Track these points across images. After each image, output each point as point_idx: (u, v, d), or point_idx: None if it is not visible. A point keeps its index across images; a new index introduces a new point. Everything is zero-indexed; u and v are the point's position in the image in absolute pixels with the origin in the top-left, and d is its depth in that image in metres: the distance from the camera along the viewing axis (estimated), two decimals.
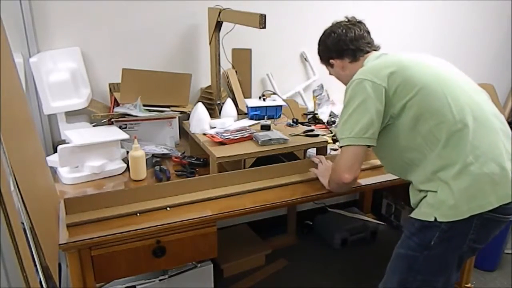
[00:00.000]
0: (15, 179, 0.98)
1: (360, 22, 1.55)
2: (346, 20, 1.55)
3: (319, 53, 1.63)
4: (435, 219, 1.27)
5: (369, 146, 1.37)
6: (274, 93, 2.25)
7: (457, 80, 1.38)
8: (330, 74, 1.66)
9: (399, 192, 1.89)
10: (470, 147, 1.27)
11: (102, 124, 1.94)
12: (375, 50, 1.52)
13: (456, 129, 1.28)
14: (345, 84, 1.56)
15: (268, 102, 2.09)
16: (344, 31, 1.50)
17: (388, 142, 1.39)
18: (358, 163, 1.37)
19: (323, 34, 1.58)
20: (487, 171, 1.26)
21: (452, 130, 1.28)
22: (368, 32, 1.54)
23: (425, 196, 1.33)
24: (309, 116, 2.34)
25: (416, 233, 1.33)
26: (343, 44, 1.50)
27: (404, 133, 1.34)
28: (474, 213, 1.25)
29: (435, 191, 1.29)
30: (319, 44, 1.61)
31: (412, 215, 1.36)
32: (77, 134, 1.72)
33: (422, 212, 1.32)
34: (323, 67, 2.62)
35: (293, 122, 2.01)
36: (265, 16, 1.61)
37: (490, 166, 1.26)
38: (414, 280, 1.35)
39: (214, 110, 2.10)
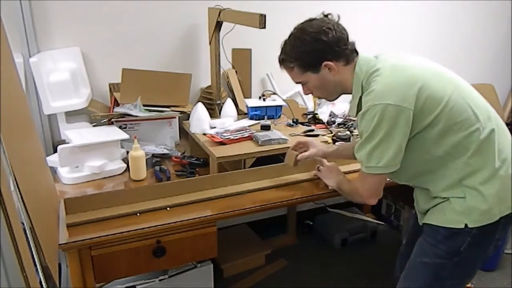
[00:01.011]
0: (15, 179, 0.99)
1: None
2: (324, 16, 1.35)
3: (301, 55, 1.32)
4: (466, 225, 1.26)
5: None
6: (274, 93, 2.25)
7: (466, 85, 1.36)
8: (298, 82, 1.40)
9: (399, 192, 1.89)
10: (497, 152, 1.28)
11: (102, 124, 1.94)
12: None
13: (484, 136, 1.27)
14: (327, 96, 1.43)
15: (268, 102, 2.09)
16: (340, 27, 1.31)
17: (407, 154, 1.30)
18: (382, 187, 1.34)
19: (313, 31, 1.29)
20: (510, 173, 1.29)
21: (482, 138, 1.27)
22: None
23: (441, 203, 1.31)
24: (309, 116, 2.34)
25: (443, 240, 1.30)
26: (343, 43, 1.30)
27: (426, 146, 1.29)
28: (503, 214, 1.27)
29: (463, 197, 1.27)
30: (305, 43, 1.30)
31: (434, 222, 1.32)
32: (77, 134, 1.72)
33: (449, 219, 1.29)
34: None
35: (293, 122, 2.01)
36: (265, 16, 1.61)
37: None
38: (442, 286, 1.34)
39: (214, 110, 2.10)
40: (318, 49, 1.30)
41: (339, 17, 1.36)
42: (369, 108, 1.24)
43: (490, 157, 1.27)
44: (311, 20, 1.34)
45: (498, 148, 1.28)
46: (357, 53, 1.35)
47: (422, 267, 1.36)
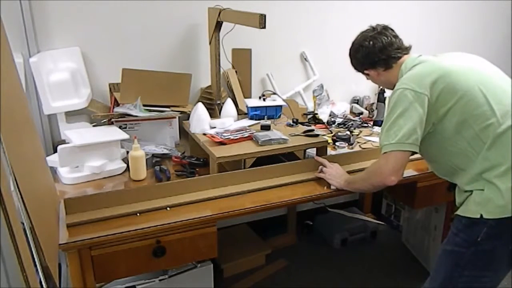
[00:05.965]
0: (15, 179, 0.98)
1: (385, 28, 1.54)
2: (371, 29, 1.55)
3: (352, 65, 1.63)
4: (481, 216, 1.30)
5: (413, 153, 1.39)
6: (274, 93, 2.25)
7: (497, 79, 1.41)
8: (367, 79, 1.67)
9: (399, 192, 1.89)
10: None
11: (102, 124, 1.94)
12: (406, 53, 1.52)
13: (501, 131, 1.31)
14: (384, 87, 1.63)
15: (268, 102, 2.09)
16: (371, 43, 1.51)
17: (434, 148, 1.43)
18: (403, 167, 1.40)
19: (352, 48, 1.59)
20: None
21: (497, 132, 1.31)
22: (396, 36, 1.53)
23: (470, 195, 1.37)
24: (309, 116, 2.34)
25: (463, 229, 1.36)
26: (374, 56, 1.52)
27: (448, 138, 1.38)
28: None
29: (482, 189, 1.33)
30: (350, 58, 1.62)
31: (458, 212, 1.40)
32: (77, 134, 1.72)
33: (469, 210, 1.35)
34: (323, 67, 2.62)
35: (293, 122, 2.01)
36: (265, 16, 1.61)
37: None
38: (461, 275, 1.37)
39: (214, 110, 2.10)
40: (356, 63, 1.60)
41: (385, 26, 1.54)
42: (392, 94, 1.42)
43: (507, 152, 1.30)
44: (358, 35, 1.57)
45: None
46: (398, 57, 1.51)
47: (445, 255, 1.43)
